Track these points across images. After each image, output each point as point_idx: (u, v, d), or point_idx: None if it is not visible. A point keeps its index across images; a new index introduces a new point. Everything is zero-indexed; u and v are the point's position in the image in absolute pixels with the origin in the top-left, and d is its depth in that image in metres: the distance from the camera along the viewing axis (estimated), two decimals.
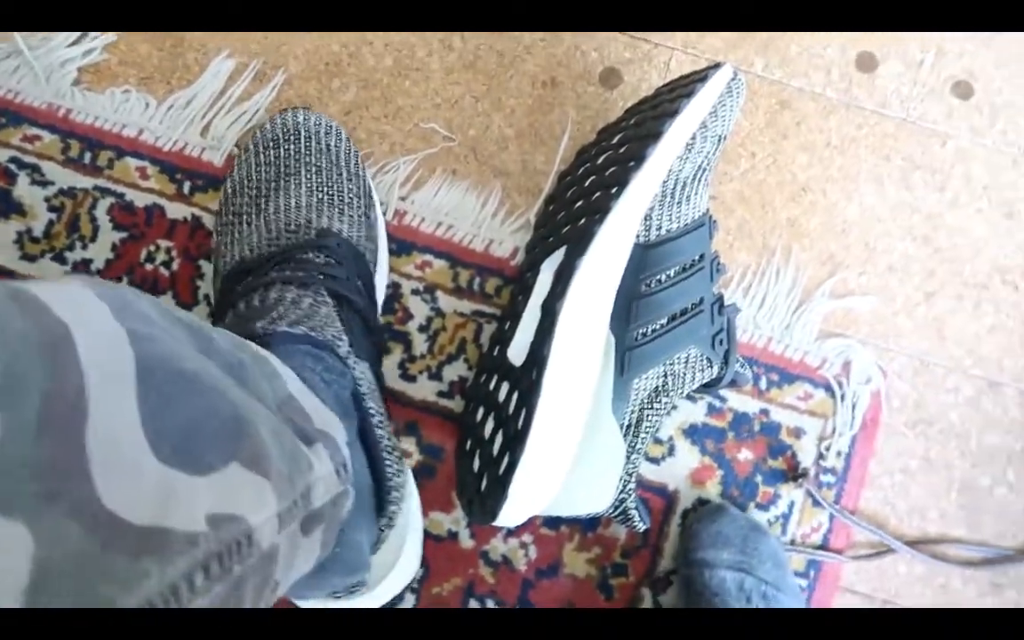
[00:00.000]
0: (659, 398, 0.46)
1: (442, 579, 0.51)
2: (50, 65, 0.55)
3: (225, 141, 0.54)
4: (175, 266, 0.53)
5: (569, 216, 0.48)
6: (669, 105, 0.46)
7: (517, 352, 0.47)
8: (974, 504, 0.53)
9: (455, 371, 0.53)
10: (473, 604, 0.51)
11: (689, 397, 0.53)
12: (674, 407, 0.53)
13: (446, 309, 0.53)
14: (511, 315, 0.49)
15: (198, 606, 0.23)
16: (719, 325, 0.47)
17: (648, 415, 0.46)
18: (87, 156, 0.54)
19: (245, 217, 0.48)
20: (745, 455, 0.53)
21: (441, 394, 0.53)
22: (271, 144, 0.50)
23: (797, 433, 0.53)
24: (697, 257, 0.47)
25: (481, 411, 0.48)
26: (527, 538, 0.52)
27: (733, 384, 0.51)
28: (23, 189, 0.54)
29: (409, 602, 0.51)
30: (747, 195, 0.55)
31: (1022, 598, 0.53)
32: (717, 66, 0.47)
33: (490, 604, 0.51)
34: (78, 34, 0.55)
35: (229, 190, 0.50)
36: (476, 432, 0.48)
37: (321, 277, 0.44)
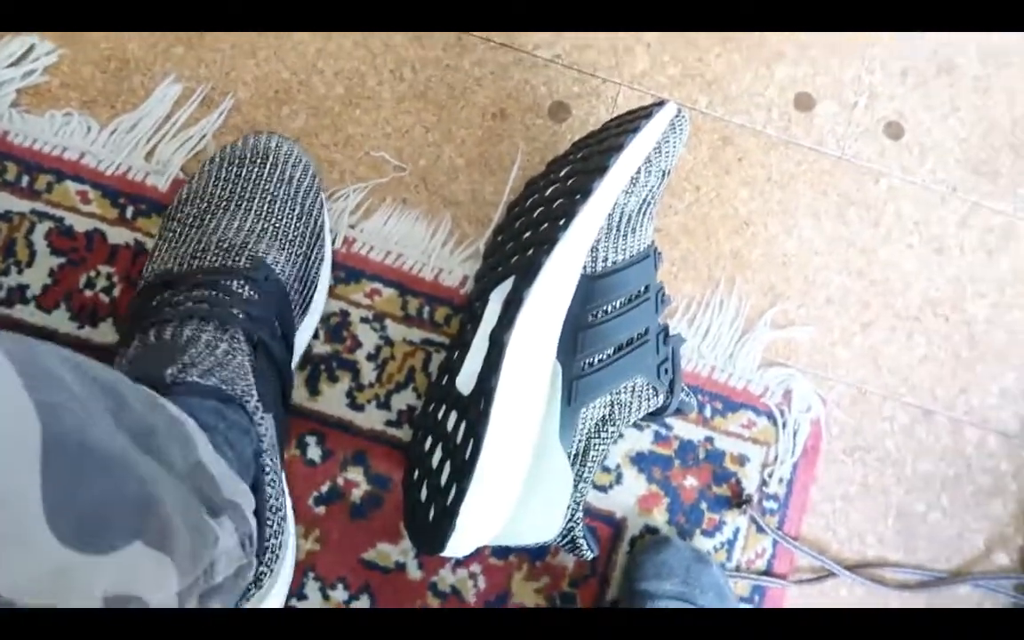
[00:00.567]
0: (606, 427, 0.46)
1: None
2: None
3: (170, 166, 0.54)
4: (116, 292, 0.52)
5: (517, 246, 0.49)
6: (615, 140, 0.47)
7: (465, 381, 0.47)
8: (910, 529, 0.55)
9: (404, 400, 0.53)
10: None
11: (636, 425, 0.54)
12: (621, 435, 0.53)
13: (395, 337, 0.53)
14: (460, 344, 0.50)
15: None
16: (664, 355, 0.48)
17: (595, 444, 0.46)
18: (24, 179, 0.53)
19: (187, 230, 0.47)
20: (691, 482, 0.53)
21: (389, 423, 0.52)
22: (235, 161, 0.49)
23: (741, 460, 0.54)
24: (643, 288, 0.47)
25: (429, 441, 0.48)
26: (476, 568, 0.52)
27: (679, 412, 0.52)
28: None
29: None
30: (691, 227, 0.57)
31: None
32: (662, 103, 0.48)
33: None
34: (17, 54, 0.54)
35: (183, 196, 0.49)
36: (424, 462, 0.47)
37: (239, 316, 0.43)
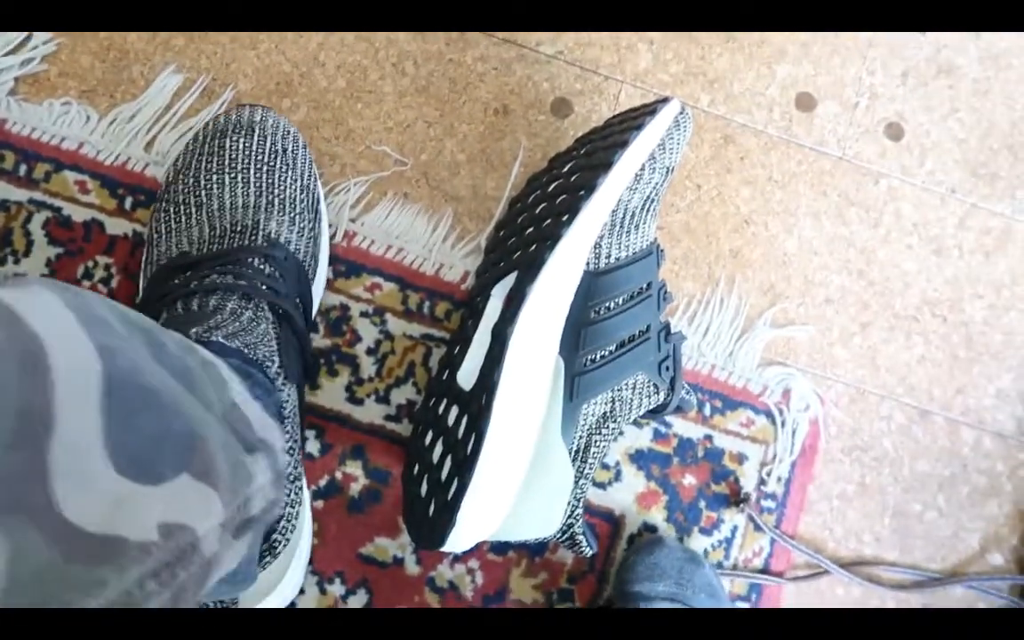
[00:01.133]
0: (607, 423, 0.46)
1: (387, 606, 0.51)
2: None
3: (170, 157, 0.53)
4: (114, 283, 0.52)
5: (520, 242, 0.49)
6: (619, 136, 0.47)
7: (467, 376, 0.47)
8: (906, 528, 0.55)
9: (403, 394, 0.53)
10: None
11: (635, 423, 0.54)
12: (621, 433, 0.53)
13: (395, 332, 0.53)
14: (461, 339, 0.49)
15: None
16: (665, 352, 0.48)
17: (596, 440, 0.46)
18: (22, 168, 0.52)
19: (185, 209, 0.47)
20: (689, 480, 0.53)
21: (389, 417, 0.52)
22: (218, 135, 0.49)
23: (740, 459, 0.54)
24: (645, 285, 0.47)
25: (430, 435, 0.48)
26: (474, 564, 0.52)
27: (679, 410, 0.52)
28: None
29: None
30: (693, 226, 0.57)
31: None
32: (665, 100, 0.48)
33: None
34: (15, 43, 0.54)
35: (170, 177, 0.49)
36: (424, 456, 0.47)
37: (264, 289, 0.44)
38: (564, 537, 0.47)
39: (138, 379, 0.27)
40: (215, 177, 0.48)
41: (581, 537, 0.47)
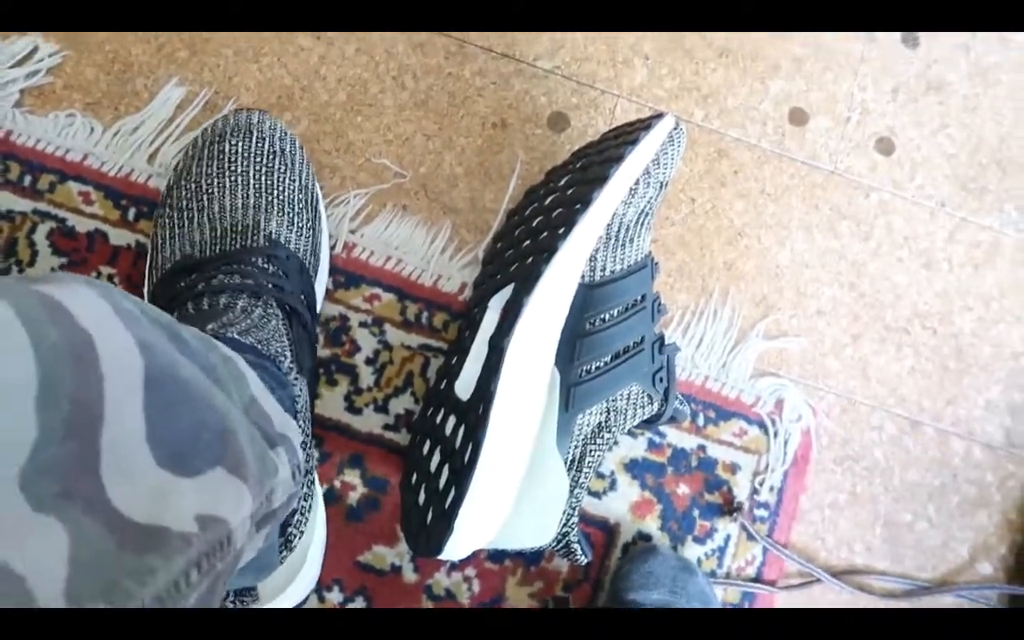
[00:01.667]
0: (602, 434, 0.47)
1: None
2: None
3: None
4: None
5: (517, 254, 0.50)
6: (615, 151, 0.48)
7: (464, 386, 0.48)
8: (897, 538, 0.56)
9: (401, 404, 0.53)
10: None
11: (630, 433, 0.54)
12: (616, 442, 0.54)
13: (394, 342, 0.54)
14: (458, 349, 0.50)
15: (189, 604, 0.25)
16: (660, 363, 0.49)
17: (591, 450, 0.47)
18: (27, 179, 0.53)
19: (187, 213, 0.48)
20: (683, 489, 0.54)
21: (387, 427, 0.53)
22: (217, 139, 0.49)
23: (733, 468, 0.55)
24: (639, 297, 0.48)
25: (427, 444, 0.49)
26: (470, 572, 0.53)
27: (672, 420, 0.53)
28: None
29: None
30: (687, 239, 0.58)
31: None
32: (660, 115, 0.49)
33: None
34: (21, 55, 0.54)
35: (172, 182, 0.50)
36: (422, 465, 0.48)
37: (271, 288, 0.44)
38: (559, 546, 0.48)
39: (175, 373, 0.28)
40: (215, 180, 0.49)
41: (576, 546, 0.48)
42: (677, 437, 0.55)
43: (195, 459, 0.27)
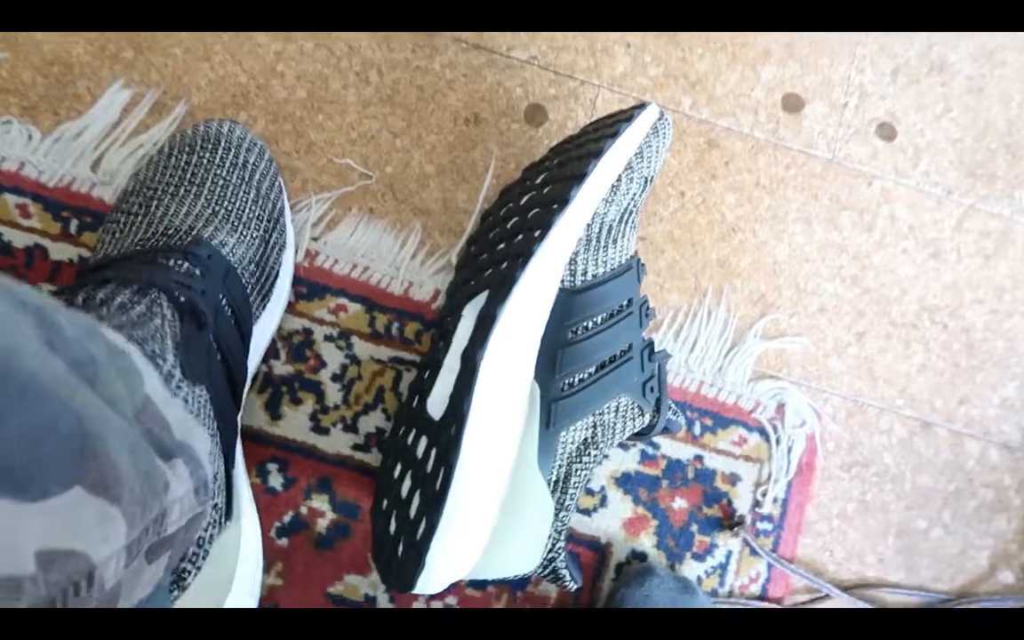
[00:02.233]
0: (588, 450, 0.43)
1: None
2: None
3: (118, 176, 0.50)
4: None
5: (491, 258, 0.46)
6: (594, 145, 0.44)
7: (436, 404, 0.44)
8: (911, 547, 0.52)
9: (372, 422, 0.49)
10: None
11: (621, 445, 0.51)
12: (605, 457, 0.50)
13: (362, 356, 0.50)
14: (431, 363, 0.46)
15: None
16: (649, 372, 0.45)
17: (577, 469, 0.43)
18: None
19: (132, 218, 0.44)
20: (680, 504, 0.50)
21: (357, 447, 0.49)
22: (186, 149, 0.46)
23: (732, 479, 0.51)
24: (625, 302, 0.44)
25: (399, 467, 0.44)
26: (451, 600, 0.49)
27: (666, 431, 0.49)
28: None
29: None
30: (677, 235, 0.54)
31: None
32: (643, 106, 0.45)
33: None
34: None
35: (129, 187, 0.46)
36: (393, 490, 0.44)
37: (171, 285, 0.39)
38: (546, 572, 0.44)
39: (10, 363, 0.22)
40: (171, 190, 0.45)
41: (564, 571, 0.44)
42: (672, 448, 0.51)
43: (37, 476, 0.21)
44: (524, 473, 0.42)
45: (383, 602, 0.48)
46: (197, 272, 0.41)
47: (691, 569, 0.50)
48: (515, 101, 0.54)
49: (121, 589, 0.25)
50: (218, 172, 0.45)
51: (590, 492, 0.50)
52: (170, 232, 0.43)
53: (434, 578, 0.40)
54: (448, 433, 0.40)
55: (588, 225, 0.44)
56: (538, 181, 0.47)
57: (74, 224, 0.49)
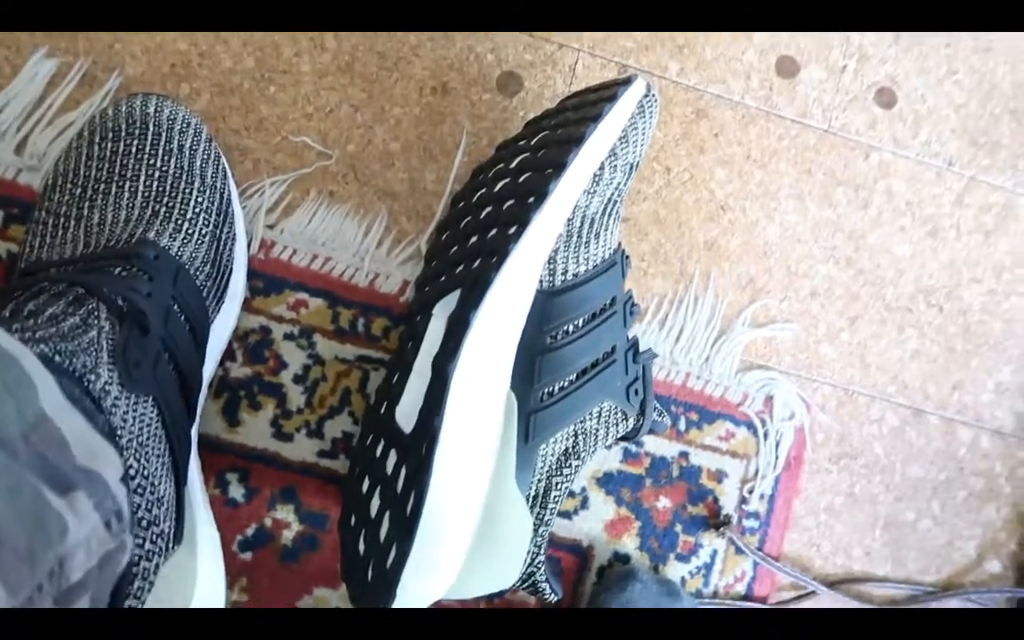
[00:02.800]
0: (568, 461, 0.41)
1: None
2: None
3: (47, 159, 0.45)
4: None
5: (463, 253, 0.42)
6: (575, 128, 0.40)
7: (406, 414, 0.41)
8: (898, 539, 0.51)
9: (338, 426, 0.46)
10: None
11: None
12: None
13: (326, 355, 0.46)
14: (400, 365, 0.43)
15: None
16: (634, 374, 0.42)
17: (557, 482, 0.40)
18: None
19: (63, 221, 0.40)
20: (664, 503, 0.48)
21: (323, 453, 0.46)
22: (109, 135, 0.41)
23: (718, 476, 0.49)
24: (608, 302, 0.41)
25: (367, 482, 0.41)
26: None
27: (651, 432, 0.46)
28: None
29: None
30: (662, 216, 0.50)
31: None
32: (628, 81, 0.41)
33: None
34: None
35: (51, 181, 0.42)
36: (361, 507, 0.41)
37: (106, 291, 0.35)
38: (525, 585, 0.42)
39: None
40: (102, 186, 0.40)
41: (544, 584, 0.42)
42: (656, 445, 0.48)
43: None
44: (501, 491, 0.39)
45: None
46: (145, 276, 0.37)
47: (675, 570, 0.48)
48: (487, 69, 0.50)
49: None
50: (151, 162, 0.41)
51: (571, 494, 0.48)
52: (111, 240, 0.39)
53: (405, 606, 0.37)
54: (419, 452, 0.37)
55: (569, 219, 0.40)
56: (513, 165, 0.43)
57: (0, 216, 0.44)
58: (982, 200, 0.52)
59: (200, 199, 0.41)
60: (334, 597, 0.46)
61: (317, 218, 0.47)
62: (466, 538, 0.38)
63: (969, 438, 0.51)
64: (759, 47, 0.52)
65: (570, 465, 0.41)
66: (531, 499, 0.40)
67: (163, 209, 0.40)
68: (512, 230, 0.39)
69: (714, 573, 0.48)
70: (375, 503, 0.40)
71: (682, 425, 0.49)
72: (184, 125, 0.42)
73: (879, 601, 0.50)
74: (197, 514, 0.39)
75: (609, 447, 0.48)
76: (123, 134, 0.41)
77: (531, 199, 0.39)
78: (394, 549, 0.37)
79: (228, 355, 0.45)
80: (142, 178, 0.40)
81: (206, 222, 0.41)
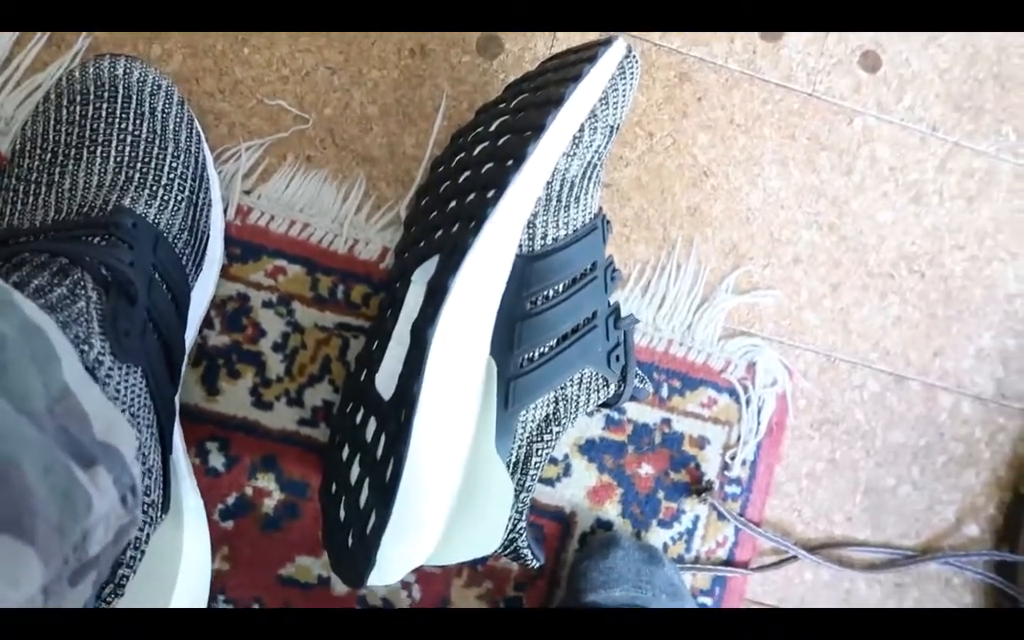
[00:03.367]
0: (549, 427, 0.40)
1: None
2: None
3: (15, 123, 0.44)
4: None
5: (442, 217, 0.41)
6: (554, 89, 0.39)
7: (385, 381, 0.40)
8: (879, 505, 0.51)
9: (318, 395, 0.46)
10: None
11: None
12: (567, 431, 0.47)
13: (305, 323, 0.46)
14: (379, 332, 0.42)
15: None
16: (615, 340, 0.42)
17: (538, 448, 0.40)
18: None
19: (33, 187, 0.39)
20: (646, 470, 0.48)
21: (303, 422, 0.46)
22: (77, 98, 0.40)
23: (701, 443, 0.49)
24: (589, 267, 0.41)
25: (347, 449, 0.41)
26: (409, 577, 0.47)
27: (632, 399, 0.46)
28: None
29: None
30: (645, 181, 0.50)
31: (924, 597, 0.52)
32: (608, 42, 0.40)
33: None
34: None
35: (18, 146, 0.41)
36: (341, 474, 0.41)
37: (95, 262, 0.35)
38: (507, 551, 0.42)
39: None
40: (72, 151, 0.39)
41: (526, 550, 0.42)
42: (638, 412, 0.48)
43: None
44: (481, 458, 0.39)
45: (337, 582, 0.46)
46: (125, 245, 0.36)
47: (657, 536, 0.48)
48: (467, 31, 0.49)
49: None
50: (123, 126, 0.40)
51: (553, 461, 0.48)
52: (84, 206, 0.38)
53: (385, 574, 0.37)
54: (398, 419, 0.37)
55: (548, 183, 0.39)
56: (493, 128, 0.42)
57: None
58: (965, 166, 0.52)
59: (175, 164, 0.40)
60: (316, 565, 0.46)
61: (294, 183, 0.46)
62: (446, 504, 0.38)
63: (950, 404, 0.52)
64: None
65: (551, 431, 0.41)
66: (511, 466, 0.40)
67: (137, 175, 0.39)
68: (490, 194, 0.38)
69: (696, 539, 0.49)
70: (355, 471, 0.40)
71: (664, 392, 0.48)
72: (155, 87, 0.41)
73: (859, 565, 0.50)
74: (182, 483, 0.39)
75: (591, 413, 0.48)
76: (92, 97, 0.40)
77: (509, 162, 0.38)
78: (374, 515, 0.37)
79: (206, 323, 0.45)
80: (113, 143, 0.39)
81: (181, 188, 0.40)
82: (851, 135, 0.51)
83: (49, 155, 0.40)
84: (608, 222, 0.42)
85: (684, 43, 0.50)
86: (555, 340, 0.40)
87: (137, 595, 0.36)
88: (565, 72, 0.40)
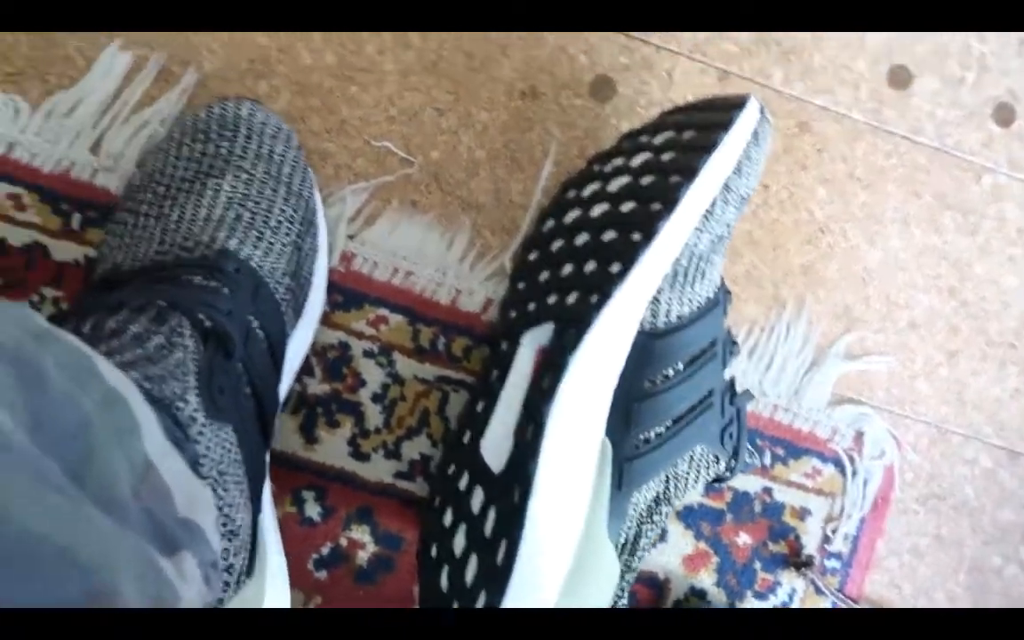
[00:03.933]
0: (659, 507, 0.39)
1: None
2: None
3: (123, 160, 0.43)
4: None
5: (556, 281, 0.40)
6: (683, 158, 0.37)
7: (493, 449, 0.39)
8: (983, 584, 0.49)
9: (416, 448, 0.45)
10: None
11: None
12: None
13: (405, 374, 0.45)
14: (484, 392, 0.41)
15: None
16: (729, 416, 0.40)
17: (647, 530, 0.39)
18: None
19: (143, 219, 0.39)
20: (744, 539, 0.47)
21: (400, 475, 0.45)
22: (199, 136, 0.40)
23: (802, 514, 0.47)
24: (709, 343, 0.39)
25: (449, 515, 0.40)
26: None
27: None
28: None
29: None
30: (757, 237, 0.47)
31: None
32: (742, 103, 0.38)
33: None
34: None
35: (136, 182, 0.40)
36: (444, 541, 0.40)
37: (196, 308, 0.34)
38: None
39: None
40: (187, 185, 0.39)
41: None
42: (740, 479, 0.47)
43: None
44: (593, 542, 0.38)
45: None
46: (225, 290, 0.35)
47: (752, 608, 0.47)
48: (579, 71, 0.47)
49: None
50: (240, 165, 0.39)
51: None
52: (189, 243, 0.37)
53: None
54: (511, 498, 0.36)
55: (676, 259, 0.37)
56: (613, 189, 0.40)
57: (76, 218, 0.43)
58: None
59: (284, 208, 0.39)
60: None
61: (399, 229, 0.45)
62: (556, 589, 0.37)
63: None
64: (872, 54, 0.48)
65: (660, 511, 0.39)
66: (620, 547, 0.39)
67: (247, 214, 0.38)
68: (615, 268, 0.36)
69: None
70: (459, 541, 0.39)
71: (767, 460, 0.47)
72: (276, 131, 0.40)
73: None
74: (268, 542, 0.39)
75: (701, 492, 0.46)
76: (213, 135, 0.39)
77: (637, 235, 0.36)
78: (483, 598, 0.36)
79: (306, 370, 0.44)
80: (228, 178, 0.39)
81: (288, 232, 0.39)
82: (979, 194, 0.48)
83: (163, 188, 0.39)
84: (728, 293, 0.41)
85: (806, 90, 0.48)
86: (671, 421, 0.38)
87: None
88: (694, 138, 0.38)
